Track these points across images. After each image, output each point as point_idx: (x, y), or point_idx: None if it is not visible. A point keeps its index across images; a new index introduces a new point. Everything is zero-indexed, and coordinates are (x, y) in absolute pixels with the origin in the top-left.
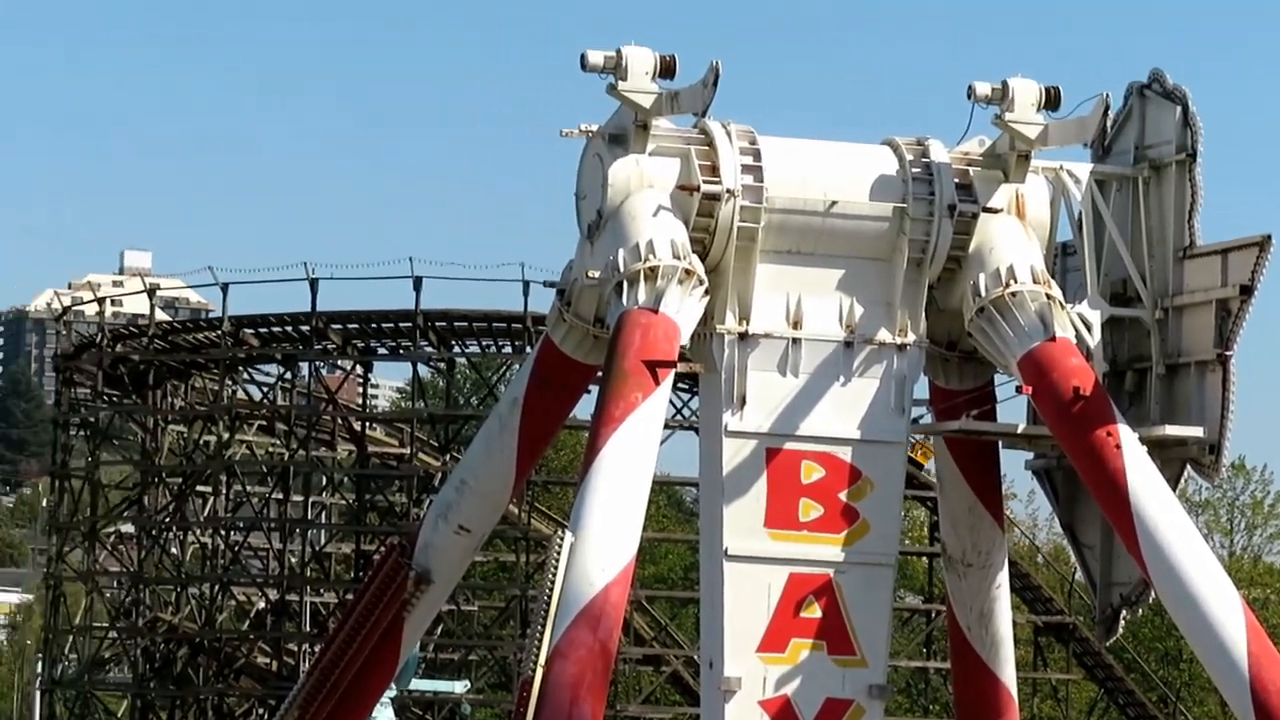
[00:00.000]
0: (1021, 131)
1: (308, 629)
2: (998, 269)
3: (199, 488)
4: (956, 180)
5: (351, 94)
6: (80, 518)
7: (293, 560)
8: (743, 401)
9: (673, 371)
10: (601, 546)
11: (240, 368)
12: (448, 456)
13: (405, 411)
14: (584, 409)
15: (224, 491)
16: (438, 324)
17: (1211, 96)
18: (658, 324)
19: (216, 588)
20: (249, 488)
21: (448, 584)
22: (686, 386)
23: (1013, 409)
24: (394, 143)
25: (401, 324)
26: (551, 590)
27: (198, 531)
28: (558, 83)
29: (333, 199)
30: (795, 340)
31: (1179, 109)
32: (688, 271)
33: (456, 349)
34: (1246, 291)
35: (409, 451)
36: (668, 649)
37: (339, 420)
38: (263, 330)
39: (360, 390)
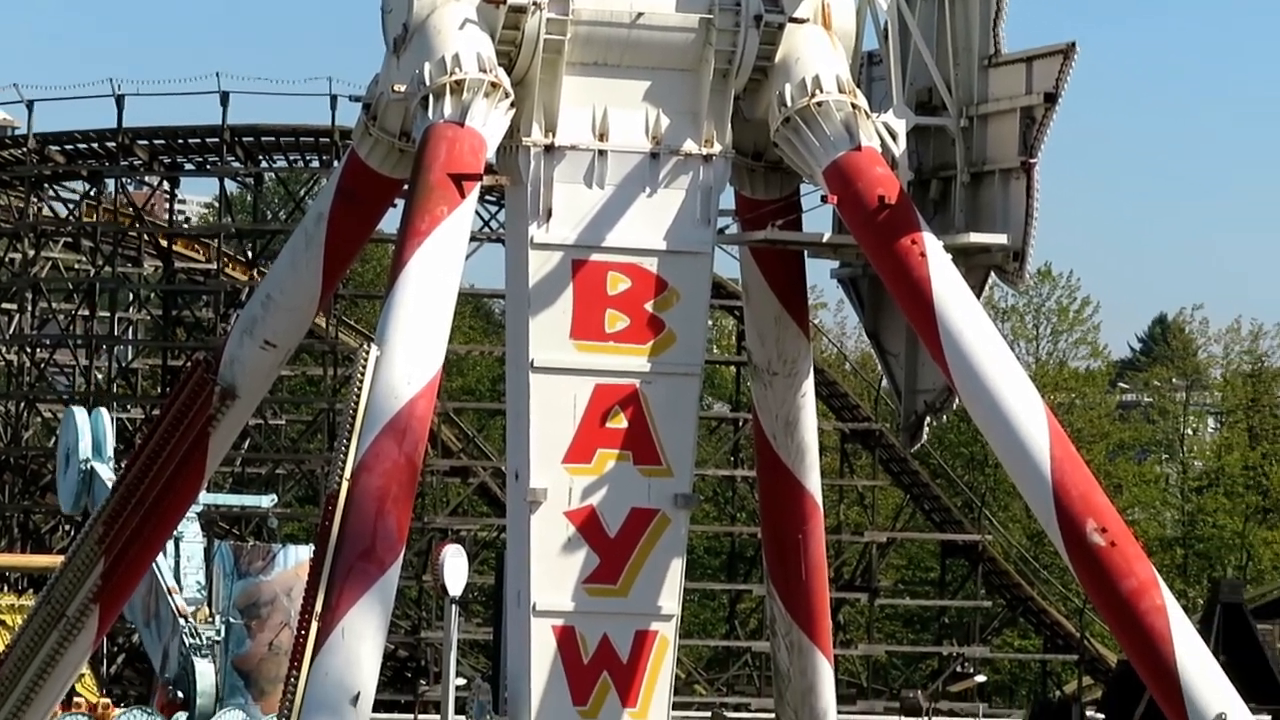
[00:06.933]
0: None
1: (115, 444)
2: (803, 79)
3: (4, 305)
4: None
5: None
6: None
7: (99, 376)
8: (548, 214)
9: (478, 184)
10: (407, 359)
11: (46, 185)
12: (255, 271)
13: (212, 226)
14: (391, 223)
15: (30, 308)
16: (245, 139)
17: None
18: (463, 137)
19: (22, 405)
20: (55, 304)
21: (253, 399)
22: (494, 199)
23: (819, 218)
24: None
25: (208, 139)
26: (357, 404)
27: (3, 349)
28: None
29: (138, 14)
30: (601, 152)
31: None
32: (494, 85)
33: (264, 164)
34: (1051, 99)
35: (216, 267)
36: (475, 460)
37: (145, 236)
38: (68, 147)
39: (167, 206)
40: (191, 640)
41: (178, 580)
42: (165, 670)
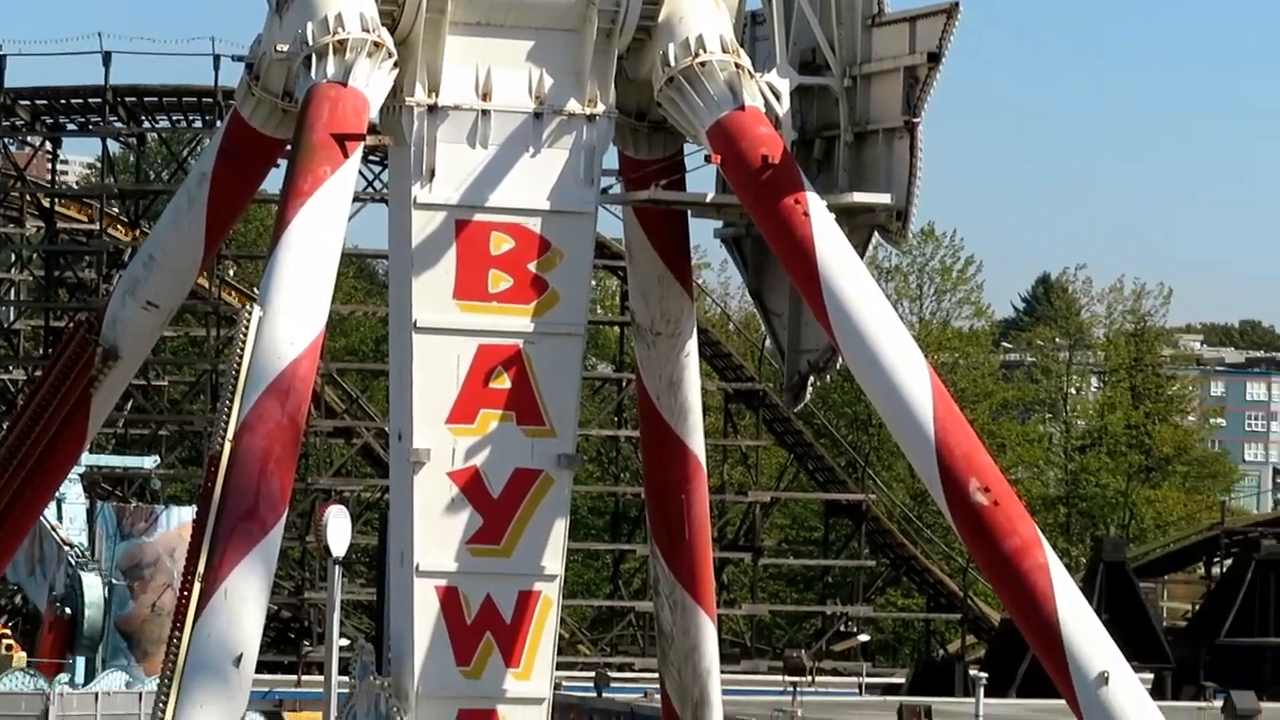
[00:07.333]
0: None
1: None
2: (687, 39)
3: None
4: None
5: None
6: None
7: None
8: (431, 174)
9: (361, 144)
10: (289, 319)
11: None
12: (138, 232)
13: (95, 187)
14: (274, 183)
15: None
16: (127, 99)
17: None
18: (346, 97)
19: None
20: None
21: (136, 359)
22: (378, 159)
23: (702, 178)
24: None
25: (91, 100)
26: (240, 365)
27: None
28: None
29: None
30: (485, 112)
31: None
32: (376, 44)
33: (146, 124)
34: (934, 59)
35: (98, 227)
36: (359, 421)
37: (27, 196)
38: None
39: (49, 166)
40: (79, 559)
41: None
42: (53, 590)
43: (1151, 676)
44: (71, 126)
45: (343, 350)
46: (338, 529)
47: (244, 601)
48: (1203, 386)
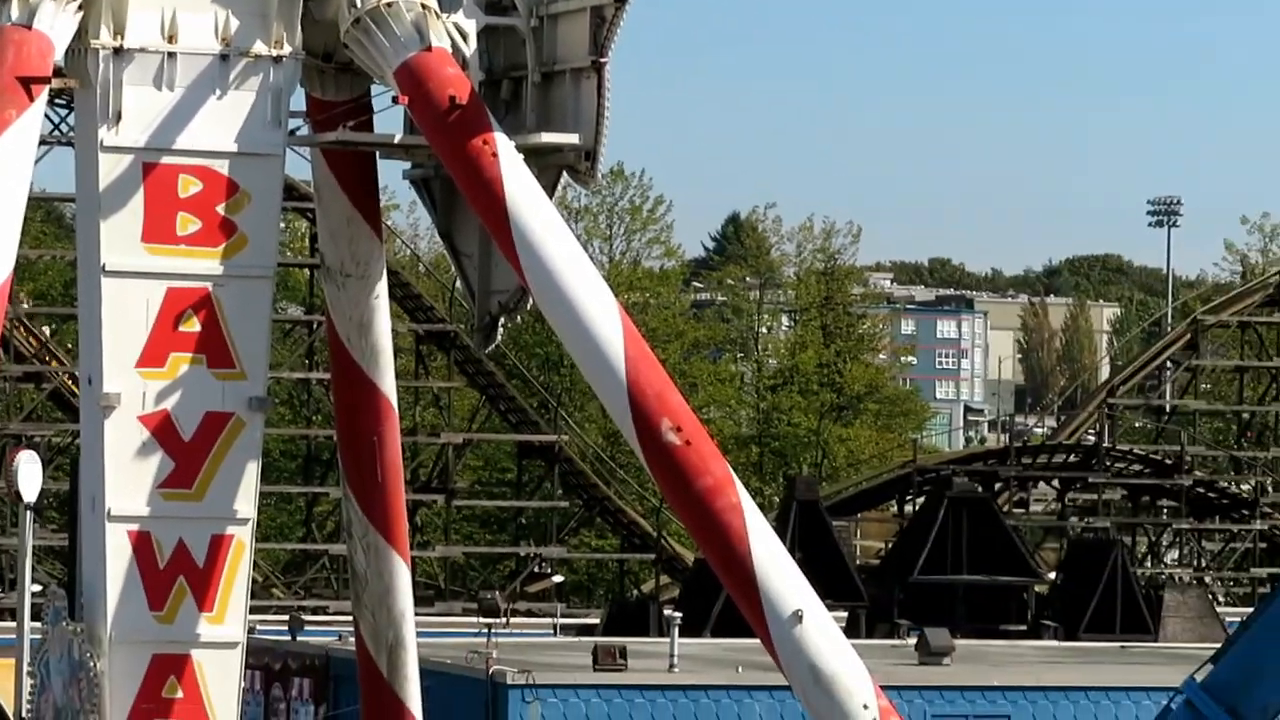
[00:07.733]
0: None
1: None
2: None
3: None
4: None
5: None
6: None
7: None
8: (118, 116)
9: (47, 87)
10: None
11: None
12: None
13: None
14: None
15: None
16: None
17: None
18: (31, 40)
19: None
20: None
21: None
22: (64, 102)
23: (391, 119)
24: None
25: None
26: None
27: None
28: None
29: None
30: (171, 55)
31: None
32: None
33: None
34: None
35: None
36: (48, 366)
37: None
38: None
39: None
40: None
41: None
42: None
43: (846, 614)
44: None
45: (32, 294)
46: (28, 474)
47: None
48: (893, 324)
